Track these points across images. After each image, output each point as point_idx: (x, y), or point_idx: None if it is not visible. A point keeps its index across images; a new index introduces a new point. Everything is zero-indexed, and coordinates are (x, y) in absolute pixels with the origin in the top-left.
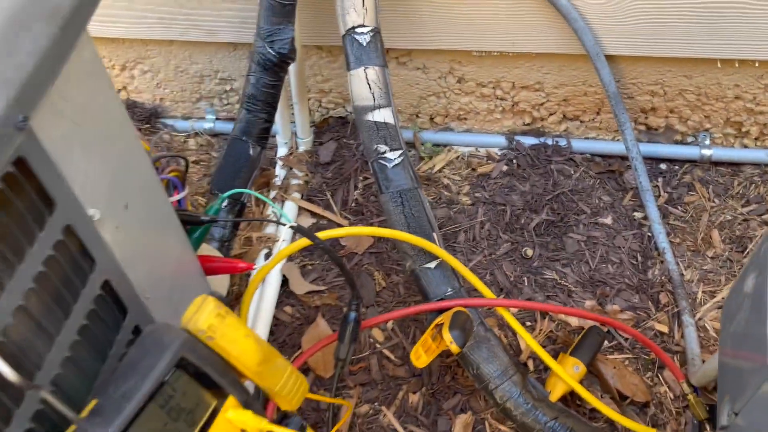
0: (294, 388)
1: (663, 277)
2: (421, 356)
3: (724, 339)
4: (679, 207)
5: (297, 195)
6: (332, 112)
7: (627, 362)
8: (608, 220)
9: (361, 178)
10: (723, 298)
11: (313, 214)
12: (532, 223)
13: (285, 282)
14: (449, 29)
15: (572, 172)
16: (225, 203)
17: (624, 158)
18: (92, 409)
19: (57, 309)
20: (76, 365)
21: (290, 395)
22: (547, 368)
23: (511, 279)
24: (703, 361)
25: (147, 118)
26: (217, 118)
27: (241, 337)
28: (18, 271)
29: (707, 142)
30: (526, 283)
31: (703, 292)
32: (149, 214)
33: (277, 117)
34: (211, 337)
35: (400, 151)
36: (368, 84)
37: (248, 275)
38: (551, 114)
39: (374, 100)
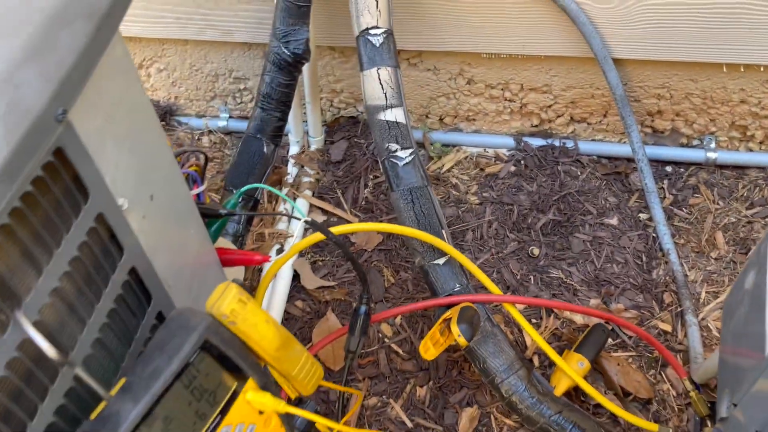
0: (310, 373)
1: (667, 278)
2: (429, 349)
3: (724, 334)
4: (684, 209)
5: (308, 192)
6: (343, 111)
7: (630, 360)
8: (614, 221)
9: (371, 176)
10: None
11: (324, 211)
12: (539, 223)
13: (296, 277)
14: (459, 31)
15: (579, 174)
16: (240, 199)
17: (630, 160)
18: (122, 387)
19: (89, 292)
20: (104, 347)
21: (306, 380)
22: (552, 364)
23: (518, 277)
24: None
25: (162, 115)
26: (230, 117)
27: (262, 322)
28: (55, 255)
29: (712, 145)
30: (532, 282)
31: (706, 292)
32: (172, 206)
33: (290, 116)
34: (233, 321)
35: (410, 150)
36: (381, 84)
37: (260, 271)
38: (559, 116)
39: (386, 99)
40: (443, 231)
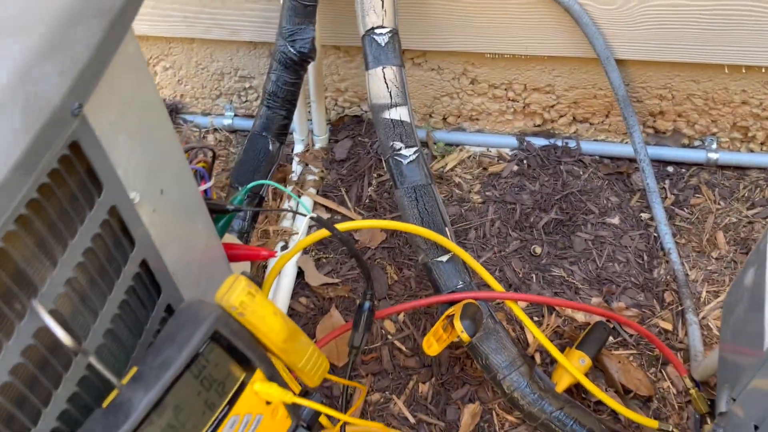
0: (316, 365)
1: (668, 277)
2: (432, 345)
3: (724, 330)
4: (685, 209)
5: (312, 190)
6: (348, 110)
7: (631, 358)
8: (616, 220)
9: (375, 175)
10: None
11: (328, 209)
12: (541, 222)
13: (300, 274)
14: (463, 32)
15: (581, 173)
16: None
17: (632, 160)
18: (133, 376)
19: (101, 283)
20: (115, 338)
21: (312, 371)
22: (553, 362)
23: (520, 275)
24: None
25: (168, 113)
26: (235, 115)
27: (270, 314)
28: (70, 246)
29: (714, 146)
30: (534, 280)
31: (707, 291)
32: (181, 201)
33: (295, 115)
34: (242, 313)
35: (415, 148)
36: (386, 83)
37: (264, 268)
38: (561, 116)
39: (391, 98)
40: (447, 228)
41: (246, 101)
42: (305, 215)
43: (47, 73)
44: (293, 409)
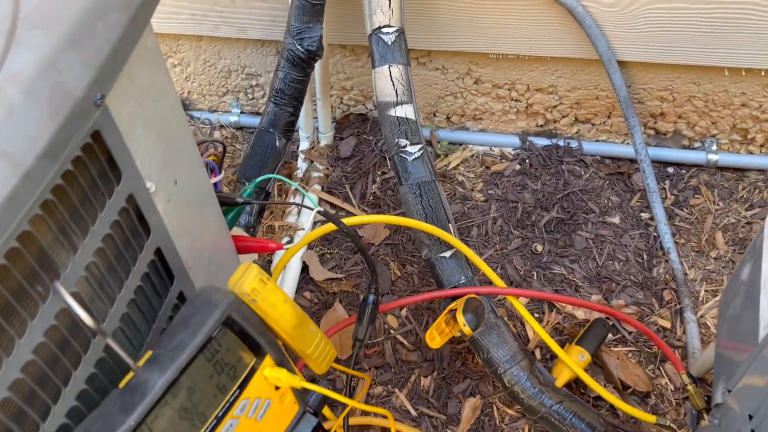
0: (323, 353)
1: (667, 276)
2: (435, 338)
3: (720, 325)
4: (684, 209)
5: (317, 187)
6: (353, 108)
7: (630, 354)
8: (616, 220)
9: (379, 172)
10: None
11: (333, 205)
12: (543, 221)
13: (305, 269)
14: (468, 32)
15: (582, 173)
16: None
17: (633, 161)
18: (149, 359)
19: (118, 269)
20: (131, 323)
21: (320, 359)
22: (553, 357)
23: (521, 273)
24: None
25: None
26: (242, 112)
27: (280, 301)
28: (90, 231)
29: (714, 147)
30: (535, 277)
31: (705, 291)
32: (194, 192)
33: (301, 112)
34: (254, 300)
35: (420, 146)
36: (392, 81)
37: (270, 262)
38: (564, 116)
39: (397, 96)
40: (450, 225)
41: (252, 98)
42: (312, 209)
43: (71, 65)
44: (301, 395)
